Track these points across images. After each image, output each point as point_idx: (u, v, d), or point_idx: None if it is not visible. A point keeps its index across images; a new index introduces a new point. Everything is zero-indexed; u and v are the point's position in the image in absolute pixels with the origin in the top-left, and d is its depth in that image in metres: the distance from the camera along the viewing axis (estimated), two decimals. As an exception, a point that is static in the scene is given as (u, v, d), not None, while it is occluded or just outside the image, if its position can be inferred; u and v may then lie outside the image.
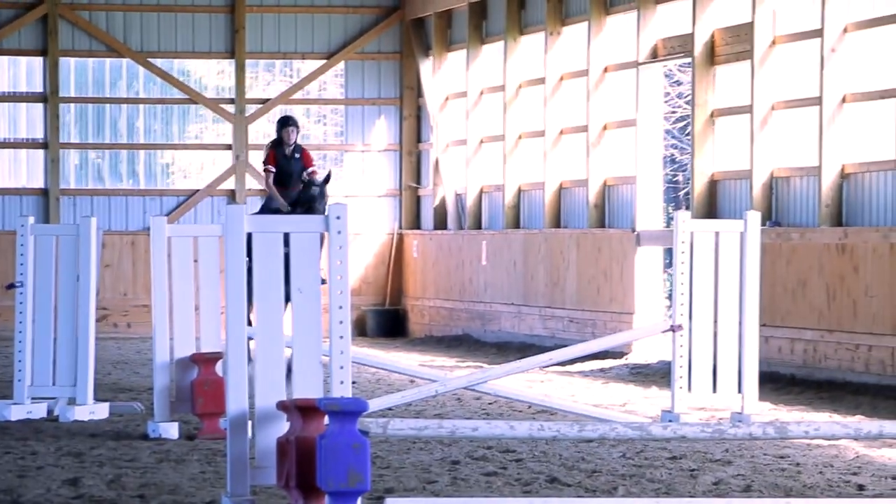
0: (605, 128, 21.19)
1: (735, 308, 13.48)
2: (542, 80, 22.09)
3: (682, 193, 32.17)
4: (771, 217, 18.29)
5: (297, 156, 16.02)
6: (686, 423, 11.48)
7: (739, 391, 13.21)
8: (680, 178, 32.45)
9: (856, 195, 17.08)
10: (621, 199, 21.41)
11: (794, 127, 17.97)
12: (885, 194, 16.63)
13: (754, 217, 13.98)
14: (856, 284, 16.32)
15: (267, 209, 16.24)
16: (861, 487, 9.88)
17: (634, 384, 17.02)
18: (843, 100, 17.02)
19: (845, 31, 17.22)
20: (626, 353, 18.73)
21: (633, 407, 15.06)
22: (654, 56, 19.93)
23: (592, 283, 21.43)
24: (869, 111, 17.01)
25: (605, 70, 21.10)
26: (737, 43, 18.83)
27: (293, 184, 15.96)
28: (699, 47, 19.35)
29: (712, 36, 19.44)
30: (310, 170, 15.87)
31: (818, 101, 17.05)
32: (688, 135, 24.47)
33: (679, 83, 30.57)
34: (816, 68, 17.39)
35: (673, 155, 31.21)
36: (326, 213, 10.40)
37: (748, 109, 18.40)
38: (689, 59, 19.48)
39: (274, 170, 15.92)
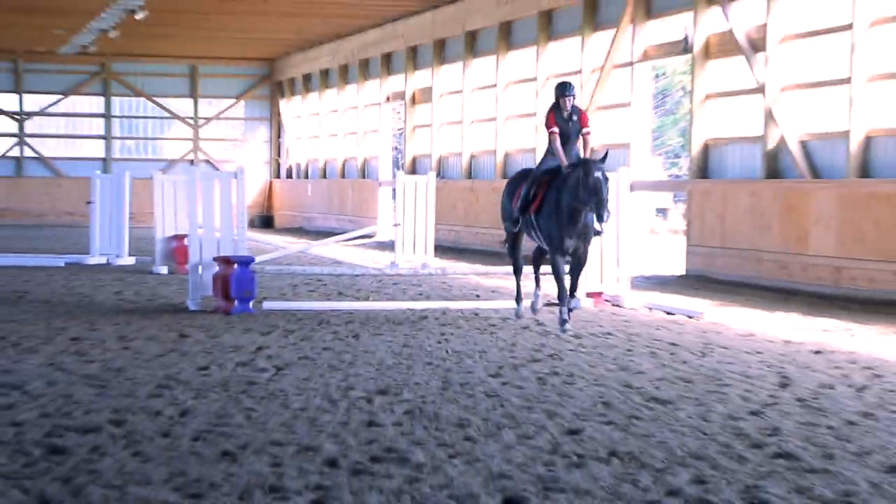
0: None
1: (423, 215, 22.19)
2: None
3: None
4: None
5: (574, 118, 13.81)
6: (402, 268, 20.78)
7: (426, 253, 22.29)
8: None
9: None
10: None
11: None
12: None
13: (431, 176, 22.48)
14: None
15: (545, 167, 14.00)
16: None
17: (378, 251, 26.57)
18: None
19: None
20: (374, 236, 28.77)
21: (378, 260, 23.69)
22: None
23: (364, 203, 32.58)
24: None
25: None
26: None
27: (570, 144, 13.82)
28: None
29: None
30: (584, 130, 13.81)
31: None
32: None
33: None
34: None
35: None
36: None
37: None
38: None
39: (558, 130, 13.69)
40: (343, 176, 38.00)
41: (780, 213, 18.86)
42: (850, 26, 17.85)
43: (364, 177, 35.93)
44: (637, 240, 16.77)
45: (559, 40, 25.93)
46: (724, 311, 15.90)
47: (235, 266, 14.46)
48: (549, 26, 26.21)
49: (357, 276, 19.63)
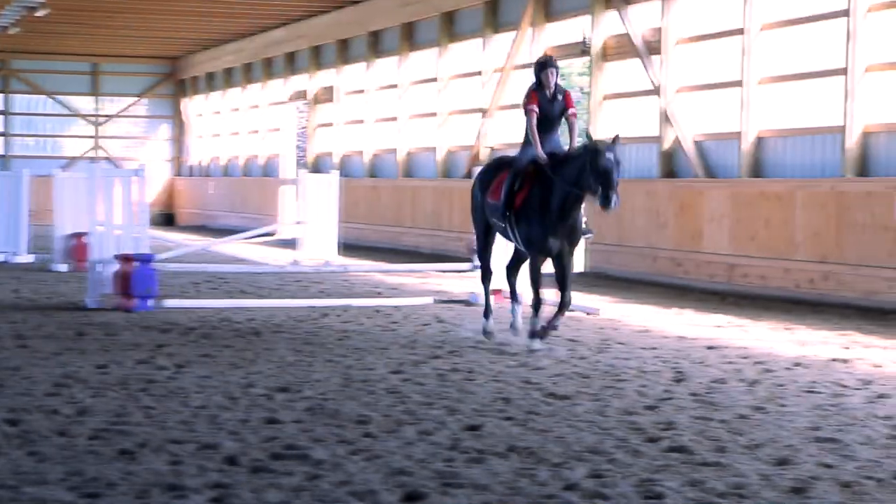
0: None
1: (326, 213, 22.59)
2: None
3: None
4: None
5: (559, 97, 11.84)
6: (305, 265, 20.79)
7: (329, 250, 22.56)
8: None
9: None
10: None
11: None
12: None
13: (335, 175, 22.69)
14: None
15: (530, 156, 11.94)
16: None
17: (281, 248, 26.56)
18: None
19: None
20: (275, 234, 27.76)
21: (280, 258, 23.82)
22: None
23: (266, 201, 32.04)
24: None
25: None
26: None
27: (553, 128, 11.88)
28: None
29: None
30: (570, 111, 11.83)
31: None
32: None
33: None
34: None
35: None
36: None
37: None
38: None
39: (537, 110, 11.73)
40: (246, 174, 37.83)
41: (675, 212, 19.10)
42: (742, 30, 18.25)
43: (266, 175, 35.92)
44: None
45: (461, 41, 26.10)
46: (621, 307, 16.11)
47: (136, 263, 14.51)
48: (451, 27, 26.34)
49: (259, 273, 19.58)
